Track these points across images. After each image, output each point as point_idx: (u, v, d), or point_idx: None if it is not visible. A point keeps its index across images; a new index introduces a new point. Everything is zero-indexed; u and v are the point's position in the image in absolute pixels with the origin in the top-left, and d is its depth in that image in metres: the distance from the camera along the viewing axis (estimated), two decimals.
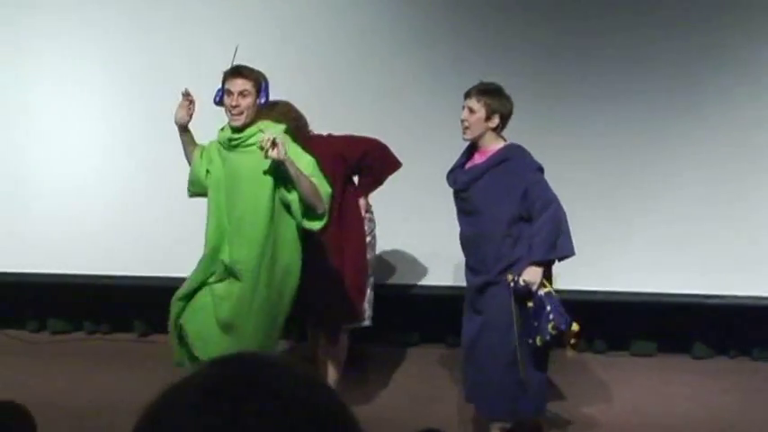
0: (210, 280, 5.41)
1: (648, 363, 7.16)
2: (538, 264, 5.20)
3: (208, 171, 5.44)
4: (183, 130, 5.45)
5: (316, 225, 5.30)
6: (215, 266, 5.40)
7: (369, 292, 6.20)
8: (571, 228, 6.56)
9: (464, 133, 5.41)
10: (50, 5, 7.54)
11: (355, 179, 6.21)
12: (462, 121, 5.37)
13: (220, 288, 5.38)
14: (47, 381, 6.81)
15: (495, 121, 5.34)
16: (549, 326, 5.11)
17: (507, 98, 5.39)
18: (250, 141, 5.27)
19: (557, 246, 5.23)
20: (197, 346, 5.36)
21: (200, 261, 5.46)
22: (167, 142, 6.11)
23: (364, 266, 6.14)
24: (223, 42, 6.92)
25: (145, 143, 7.32)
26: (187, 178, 5.60)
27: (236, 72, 5.27)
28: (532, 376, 5.32)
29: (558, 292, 6.40)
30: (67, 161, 7.57)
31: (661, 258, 6.99)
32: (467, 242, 5.50)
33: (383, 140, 6.18)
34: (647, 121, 7.00)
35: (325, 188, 5.23)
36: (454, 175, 5.51)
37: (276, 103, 5.77)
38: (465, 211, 5.48)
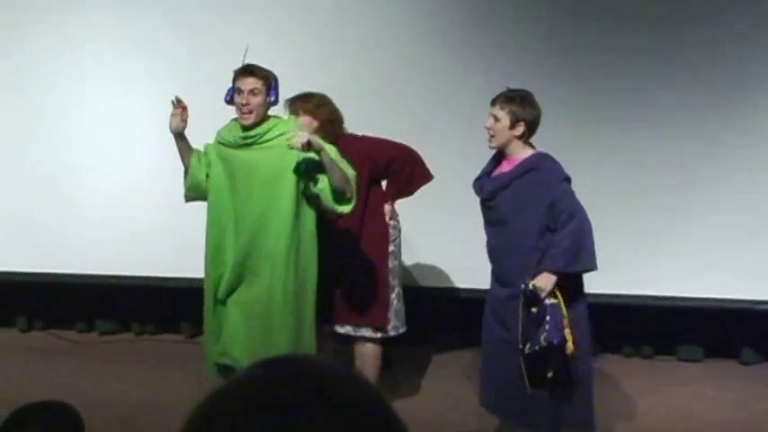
0: (223, 287, 5.47)
1: (696, 368, 7.09)
2: (554, 273, 5.11)
3: (207, 175, 5.51)
4: (180, 137, 5.50)
5: (347, 208, 5.36)
6: (220, 267, 5.47)
7: (395, 301, 6.07)
8: (619, 231, 6.58)
9: (489, 141, 5.33)
10: (101, 3, 7.60)
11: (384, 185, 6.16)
12: (487, 129, 5.30)
13: (242, 295, 5.46)
14: (95, 381, 6.86)
15: (521, 129, 5.24)
16: (542, 336, 5.02)
17: (534, 105, 5.28)
18: (266, 137, 5.35)
19: (578, 259, 5.12)
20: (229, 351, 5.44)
21: (206, 265, 5.54)
22: None
23: (384, 274, 6.04)
24: (273, 42, 7.02)
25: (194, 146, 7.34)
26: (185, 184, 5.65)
27: (247, 71, 5.35)
28: (572, 389, 5.22)
29: (604, 296, 6.41)
30: (117, 163, 7.62)
31: (710, 263, 6.91)
32: (493, 252, 5.42)
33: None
34: (698, 124, 6.92)
35: (350, 171, 5.30)
36: (480, 184, 5.43)
37: (312, 95, 5.89)
38: (491, 220, 5.40)
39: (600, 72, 7.04)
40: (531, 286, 5.07)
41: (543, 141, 5.40)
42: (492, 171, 5.40)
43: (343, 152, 5.42)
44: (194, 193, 5.61)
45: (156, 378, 6.95)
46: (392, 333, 6.08)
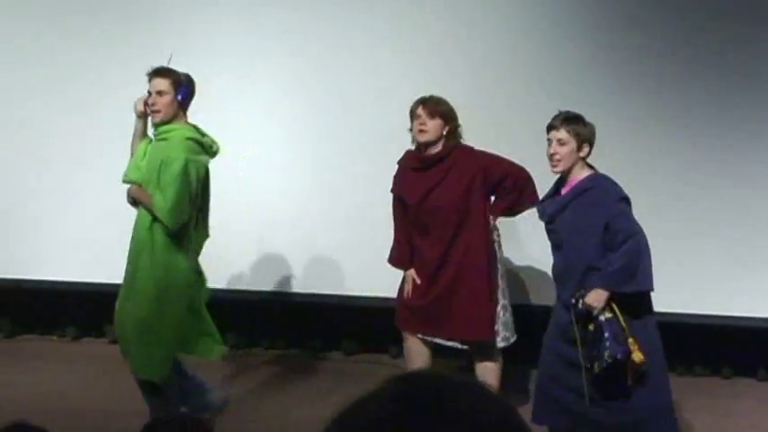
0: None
1: None
2: (606, 289, 5.09)
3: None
4: (142, 121, 5.95)
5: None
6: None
7: (501, 312, 6.11)
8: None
9: (554, 166, 5.29)
10: (235, 17, 7.71)
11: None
12: (552, 155, 5.23)
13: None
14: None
15: (586, 149, 5.25)
16: (606, 354, 5.00)
17: (589, 124, 5.29)
18: (162, 136, 5.82)
19: (633, 279, 5.11)
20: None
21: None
22: (347, 161, 6.25)
23: (494, 287, 6.10)
24: (403, 59, 7.06)
25: (326, 161, 7.40)
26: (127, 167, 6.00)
27: (155, 73, 5.79)
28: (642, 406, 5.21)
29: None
30: (246, 179, 7.66)
31: None
32: (557, 276, 5.43)
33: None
34: None
35: (157, 204, 5.69)
36: (543, 207, 5.44)
37: (443, 100, 6.10)
38: (554, 243, 5.38)
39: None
40: (580, 304, 5.08)
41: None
42: (555, 194, 5.41)
43: (458, 163, 5.90)
44: (132, 174, 5.89)
45: (286, 392, 7.07)
46: (502, 344, 6.13)
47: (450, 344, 6.19)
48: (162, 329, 5.76)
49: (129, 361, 5.91)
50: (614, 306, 5.09)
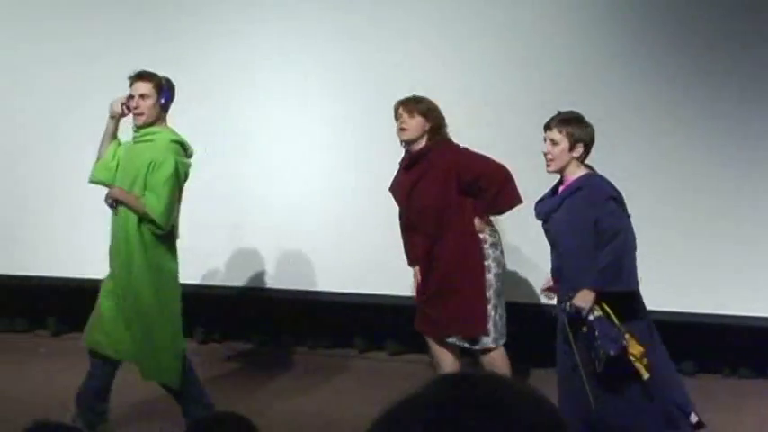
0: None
1: None
2: (592, 289, 5.13)
3: (118, 165, 5.97)
4: (114, 123, 5.99)
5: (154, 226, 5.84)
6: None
7: (491, 312, 6.08)
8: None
9: (548, 166, 5.39)
10: (270, 20, 7.72)
11: None
12: (545, 154, 5.35)
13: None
14: (270, 392, 6.97)
15: (579, 150, 5.31)
16: (600, 352, 5.04)
17: (588, 125, 5.37)
18: (144, 138, 5.88)
19: (620, 278, 5.16)
20: None
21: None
22: (388, 160, 6.23)
23: (479, 285, 6.08)
24: (440, 56, 7.05)
25: (366, 162, 7.38)
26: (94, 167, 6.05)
27: (137, 77, 5.89)
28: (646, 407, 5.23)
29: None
30: (285, 177, 7.70)
31: None
32: (554, 275, 5.45)
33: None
34: None
35: (147, 206, 5.75)
36: (539, 207, 5.48)
37: (423, 99, 6.13)
38: (550, 243, 5.46)
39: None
40: (569, 307, 5.14)
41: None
42: (554, 194, 5.47)
43: (435, 161, 6.00)
44: (101, 174, 5.98)
45: (331, 392, 7.06)
46: (492, 345, 6.09)
47: (460, 343, 6.16)
48: (163, 332, 5.87)
49: (139, 368, 5.94)
50: (603, 305, 5.13)
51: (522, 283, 7.12)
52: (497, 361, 6.07)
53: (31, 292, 8.31)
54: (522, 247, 7.01)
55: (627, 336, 5.06)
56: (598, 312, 5.10)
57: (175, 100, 5.97)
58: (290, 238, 7.65)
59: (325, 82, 7.61)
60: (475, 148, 6.22)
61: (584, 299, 5.12)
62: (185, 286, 6.16)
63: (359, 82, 7.50)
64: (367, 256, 7.37)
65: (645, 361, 5.09)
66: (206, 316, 7.96)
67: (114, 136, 6.02)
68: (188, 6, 7.90)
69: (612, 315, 5.10)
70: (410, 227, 6.25)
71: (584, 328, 5.13)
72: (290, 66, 7.67)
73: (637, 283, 5.20)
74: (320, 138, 7.59)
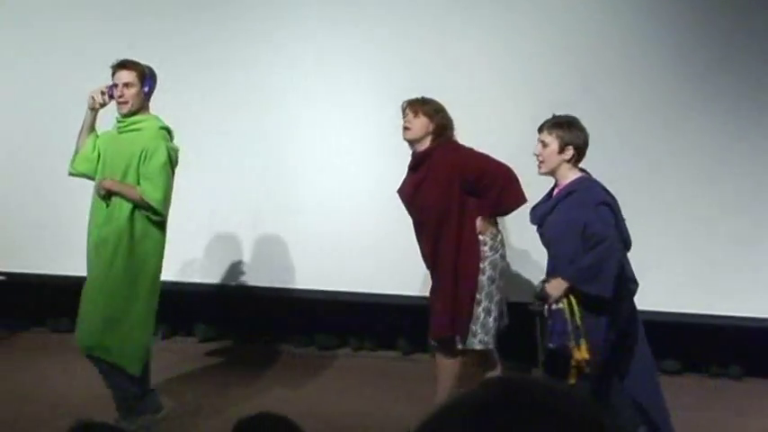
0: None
1: None
2: (567, 281, 5.18)
3: (99, 156, 5.95)
4: (93, 115, 5.96)
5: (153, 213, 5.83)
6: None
7: (481, 314, 6.05)
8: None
9: (539, 168, 5.45)
10: (317, 19, 7.75)
11: None
12: (536, 155, 5.41)
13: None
14: (313, 395, 6.98)
15: (570, 153, 5.35)
16: (548, 342, 5.17)
17: (581, 129, 5.40)
18: (132, 127, 5.87)
19: (596, 281, 5.16)
20: None
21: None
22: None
23: (469, 287, 6.04)
24: (485, 53, 7.05)
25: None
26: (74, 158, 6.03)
27: (121, 65, 5.88)
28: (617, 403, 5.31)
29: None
30: (334, 176, 7.73)
31: None
32: (548, 277, 5.41)
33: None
34: None
35: (145, 194, 5.75)
36: (534, 211, 5.54)
37: (430, 100, 6.16)
38: (544, 246, 5.50)
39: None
40: (539, 289, 5.26)
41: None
42: (549, 198, 5.51)
43: (438, 161, 5.99)
44: (81, 166, 5.98)
45: (374, 394, 7.03)
46: (478, 347, 6.08)
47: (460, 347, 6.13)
48: (131, 320, 5.81)
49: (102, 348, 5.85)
50: (572, 300, 5.17)
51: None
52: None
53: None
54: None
55: (581, 340, 5.09)
56: (561, 305, 5.18)
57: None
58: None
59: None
60: (475, 148, 6.20)
61: (556, 287, 5.21)
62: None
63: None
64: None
65: (583, 368, 5.09)
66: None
67: (93, 128, 6.00)
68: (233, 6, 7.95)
69: (577, 315, 5.13)
70: (416, 227, 6.22)
71: (550, 321, 5.23)
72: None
73: (611, 291, 5.16)
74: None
